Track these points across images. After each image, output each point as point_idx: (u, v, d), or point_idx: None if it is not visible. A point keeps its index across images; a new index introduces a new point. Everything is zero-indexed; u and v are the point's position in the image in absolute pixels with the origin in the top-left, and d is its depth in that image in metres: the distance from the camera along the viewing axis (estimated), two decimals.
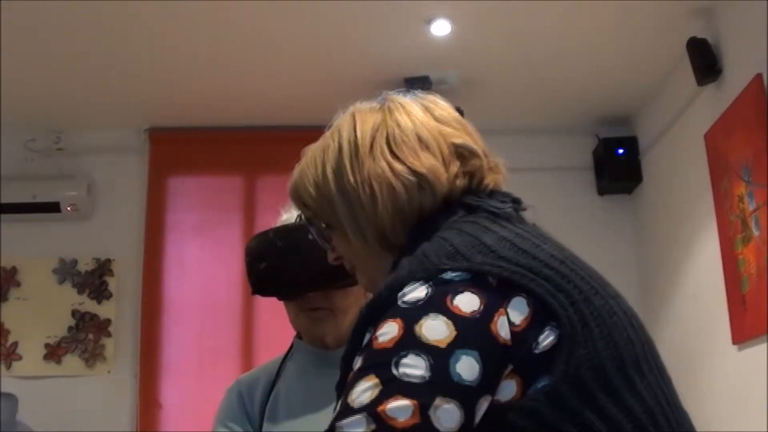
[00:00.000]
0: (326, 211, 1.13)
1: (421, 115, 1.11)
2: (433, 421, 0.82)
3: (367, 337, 0.91)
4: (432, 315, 0.86)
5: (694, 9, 3.35)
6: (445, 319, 0.86)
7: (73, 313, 4.22)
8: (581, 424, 0.86)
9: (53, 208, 4.22)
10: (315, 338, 1.68)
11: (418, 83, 3.92)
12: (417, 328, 0.85)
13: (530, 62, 3.82)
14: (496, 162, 1.14)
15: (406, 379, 0.83)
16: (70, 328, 4.20)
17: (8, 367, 4.12)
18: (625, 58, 3.77)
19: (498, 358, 0.87)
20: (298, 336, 1.73)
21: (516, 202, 1.09)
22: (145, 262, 4.27)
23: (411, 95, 1.17)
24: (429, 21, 3.46)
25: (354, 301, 1.65)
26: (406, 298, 0.89)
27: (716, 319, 3.36)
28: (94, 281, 4.26)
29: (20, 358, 4.15)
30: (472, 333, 0.86)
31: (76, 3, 3.22)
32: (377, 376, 0.84)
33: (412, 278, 0.91)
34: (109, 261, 4.29)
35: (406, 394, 0.82)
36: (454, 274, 0.89)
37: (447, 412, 0.82)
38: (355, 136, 1.10)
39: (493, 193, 1.09)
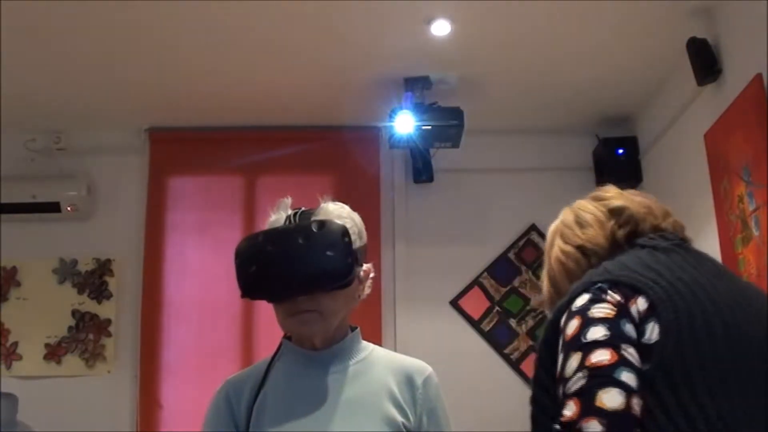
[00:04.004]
0: None
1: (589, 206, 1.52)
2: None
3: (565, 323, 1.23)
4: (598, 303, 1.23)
5: (694, 9, 3.35)
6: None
7: (73, 313, 4.22)
8: (666, 412, 1.09)
9: (53, 208, 4.22)
10: (304, 340, 1.69)
11: (418, 83, 3.92)
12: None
13: (530, 62, 3.82)
14: (663, 210, 1.47)
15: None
16: (70, 328, 4.20)
17: (8, 367, 4.12)
18: (625, 58, 3.77)
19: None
20: (287, 337, 1.74)
21: (682, 240, 1.41)
22: (145, 262, 4.28)
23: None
24: (429, 21, 3.46)
25: (342, 303, 1.66)
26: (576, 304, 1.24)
27: None
28: (94, 281, 4.26)
29: (20, 358, 4.15)
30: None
31: (76, 3, 3.22)
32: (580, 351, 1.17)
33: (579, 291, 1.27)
34: (109, 261, 4.29)
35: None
36: (601, 284, 1.24)
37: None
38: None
39: (664, 234, 1.40)
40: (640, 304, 1.18)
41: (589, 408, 1.07)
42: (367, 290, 1.73)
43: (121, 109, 4.24)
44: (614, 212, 1.45)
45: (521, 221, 4.43)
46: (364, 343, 1.76)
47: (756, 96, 2.99)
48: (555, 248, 1.50)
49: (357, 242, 1.67)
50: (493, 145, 4.48)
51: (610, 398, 1.07)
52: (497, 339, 4.31)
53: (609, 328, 1.14)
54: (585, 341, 1.14)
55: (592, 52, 3.72)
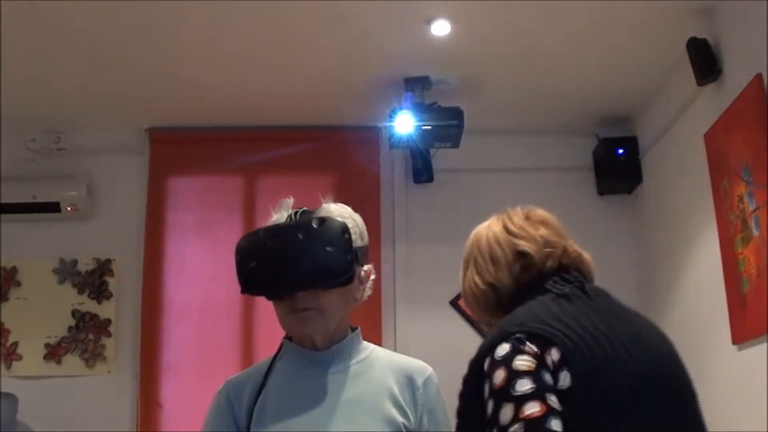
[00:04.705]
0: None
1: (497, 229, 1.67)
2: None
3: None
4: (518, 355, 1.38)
5: (694, 9, 3.35)
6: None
7: (73, 313, 4.22)
8: None
9: (53, 208, 4.22)
10: (304, 338, 1.69)
11: (418, 83, 3.92)
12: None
13: (530, 62, 3.82)
14: (562, 246, 1.59)
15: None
16: (70, 328, 4.20)
17: (8, 367, 4.12)
18: (625, 58, 3.77)
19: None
20: (287, 337, 1.74)
21: (581, 282, 1.54)
22: (145, 262, 4.28)
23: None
24: (429, 21, 3.46)
25: (342, 302, 1.66)
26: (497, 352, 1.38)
27: (716, 319, 3.36)
28: (94, 281, 4.26)
29: (20, 358, 4.15)
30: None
31: (77, 3, 3.22)
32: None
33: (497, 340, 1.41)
34: (109, 261, 4.29)
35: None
36: (518, 335, 1.38)
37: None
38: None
39: (564, 276, 1.54)
40: (554, 354, 1.35)
41: None
42: (368, 291, 1.73)
43: (121, 109, 4.24)
44: (519, 256, 1.59)
45: None
46: (365, 343, 1.76)
47: (756, 96, 2.99)
48: (469, 273, 1.64)
49: (358, 242, 1.67)
50: (493, 145, 4.48)
51: None
52: None
53: (534, 381, 1.31)
54: (515, 394, 1.31)
55: (592, 52, 3.72)
